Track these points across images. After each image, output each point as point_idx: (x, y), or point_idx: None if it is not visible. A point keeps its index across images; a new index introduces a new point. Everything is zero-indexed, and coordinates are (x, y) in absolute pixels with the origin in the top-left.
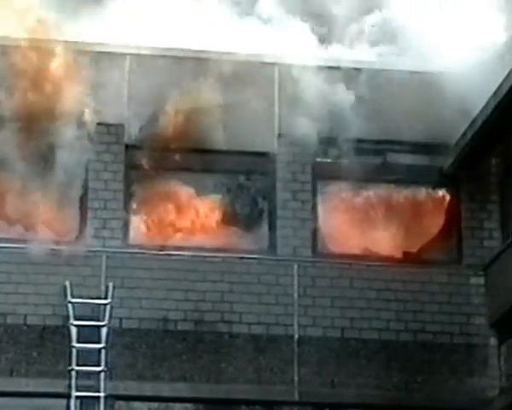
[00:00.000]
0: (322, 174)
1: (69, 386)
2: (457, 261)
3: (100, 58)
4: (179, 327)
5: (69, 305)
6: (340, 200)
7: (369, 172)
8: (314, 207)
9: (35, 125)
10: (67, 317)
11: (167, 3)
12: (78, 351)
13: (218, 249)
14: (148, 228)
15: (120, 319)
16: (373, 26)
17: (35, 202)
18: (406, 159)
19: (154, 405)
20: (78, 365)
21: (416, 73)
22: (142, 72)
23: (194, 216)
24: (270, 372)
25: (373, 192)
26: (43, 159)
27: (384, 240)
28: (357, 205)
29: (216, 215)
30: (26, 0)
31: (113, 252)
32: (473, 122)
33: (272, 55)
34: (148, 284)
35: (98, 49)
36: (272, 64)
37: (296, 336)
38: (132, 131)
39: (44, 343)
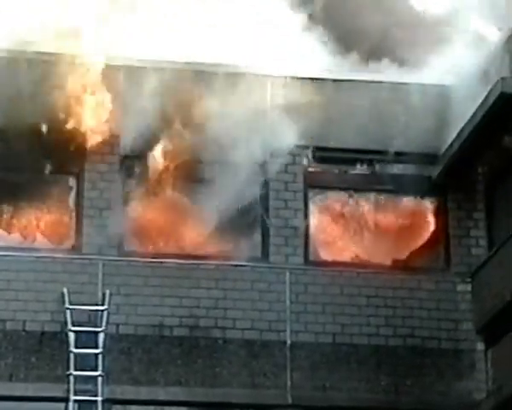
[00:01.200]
0: (314, 183)
1: (67, 390)
2: (445, 268)
3: (96, 69)
4: (174, 333)
5: (67, 311)
6: (331, 208)
7: (359, 181)
8: (306, 216)
9: (31, 135)
10: (65, 323)
11: (161, 16)
12: (76, 356)
13: (211, 257)
14: (143, 236)
15: (117, 325)
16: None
17: (33, 211)
18: (395, 168)
19: (151, 409)
20: (75, 370)
21: (405, 84)
22: (137, 83)
23: (188, 224)
24: (263, 377)
25: (363, 201)
26: (41, 168)
27: (374, 248)
28: (347, 213)
29: (210, 223)
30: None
31: (110, 260)
32: (460, 132)
33: (264, 67)
34: (144, 291)
35: (94, 60)
36: (264, 76)
37: (289, 342)
38: (127, 142)
39: (43, 349)
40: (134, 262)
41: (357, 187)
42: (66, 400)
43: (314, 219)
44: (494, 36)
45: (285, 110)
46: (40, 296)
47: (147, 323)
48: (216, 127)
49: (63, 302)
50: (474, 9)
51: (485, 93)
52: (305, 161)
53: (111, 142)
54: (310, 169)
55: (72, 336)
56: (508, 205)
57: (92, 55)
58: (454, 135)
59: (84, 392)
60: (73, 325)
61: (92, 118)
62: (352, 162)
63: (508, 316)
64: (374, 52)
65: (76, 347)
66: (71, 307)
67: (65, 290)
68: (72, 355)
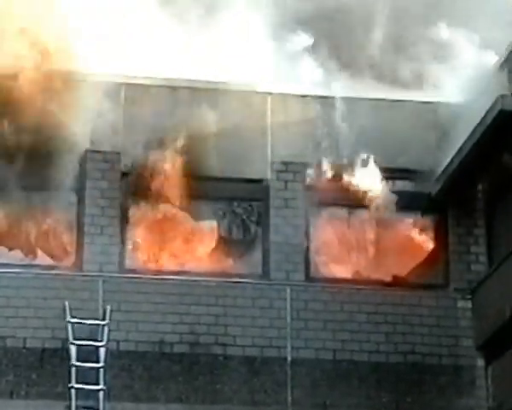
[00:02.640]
0: (314, 200)
1: (69, 407)
2: (445, 285)
3: (96, 87)
4: (175, 349)
5: (68, 325)
6: (331, 225)
7: (359, 198)
8: (306, 233)
9: (32, 152)
10: (67, 339)
11: (162, 33)
12: (78, 371)
13: (212, 274)
14: (143, 253)
15: (118, 341)
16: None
17: (34, 228)
18: (396, 185)
19: None
20: (77, 383)
21: (406, 102)
22: (137, 101)
23: (189, 241)
24: (263, 394)
25: (363, 217)
26: (42, 186)
27: (374, 264)
28: (347, 230)
29: (211, 241)
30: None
31: (110, 277)
32: (460, 149)
33: (265, 85)
34: (145, 308)
35: (95, 78)
36: (265, 93)
37: (289, 358)
38: (128, 159)
39: (44, 366)
40: (134, 279)
41: (357, 204)
42: None
43: (314, 236)
44: (493, 54)
45: (285, 127)
46: (41, 313)
47: (147, 339)
48: (216, 144)
49: (64, 316)
50: (474, 27)
51: (485, 111)
52: (305, 178)
53: (112, 159)
54: (310, 186)
55: (73, 349)
56: (508, 221)
57: (94, 71)
58: (454, 152)
59: (85, 408)
60: (75, 339)
61: (93, 134)
62: (353, 179)
63: (508, 333)
64: (374, 69)
65: (77, 362)
66: (72, 320)
67: (66, 304)
68: (73, 369)
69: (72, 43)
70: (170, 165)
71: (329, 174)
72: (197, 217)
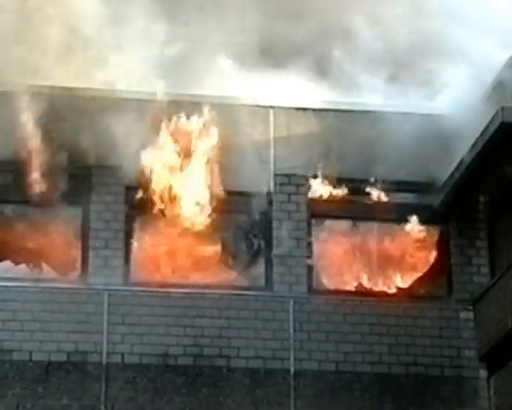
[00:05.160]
0: (317, 213)
1: None
2: (447, 296)
3: (100, 103)
4: (179, 362)
5: None
6: (334, 237)
7: (362, 210)
8: (309, 245)
9: (35, 168)
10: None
11: (162, 48)
12: None
13: (216, 286)
14: (148, 266)
15: (122, 354)
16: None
17: (39, 242)
18: (398, 197)
19: None
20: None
21: (408, 114)
22: (141, 115)
23: (192, 254)
24: (267, 405)
25: (366, 230)
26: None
27: (377, 276)
28: (350, 242)
29: (214, 253)
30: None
31: (115, 290)
32: (461, 161)
33: (267, 99)
34: (149, 321)
35: (98, 94)
36: (267, 107)
37: (292, 370)
38: (132, 173)
39: (49, 379)
40: (139, 292)
41: (359, 216)
42: None
43: (317, 249)
44: (494, 65)
45: (288, 140)
46: (46, 326)
47: (151, 352)
48: (219, 158)
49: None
50: (475, 38)
51: (486, 122)
52: (308, 191)
53: (116, 173)
54: (313, 199)
55: None
56: (510, 233)
57: (97, 87)
58: (455, 164)
59: None
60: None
61: (97, 149)
62: (355, 192)
63: (510, 343)
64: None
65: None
66: None
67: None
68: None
69: (72, 59)
70: (173, 178)
71: (332, 187)
72: (201, 230)
